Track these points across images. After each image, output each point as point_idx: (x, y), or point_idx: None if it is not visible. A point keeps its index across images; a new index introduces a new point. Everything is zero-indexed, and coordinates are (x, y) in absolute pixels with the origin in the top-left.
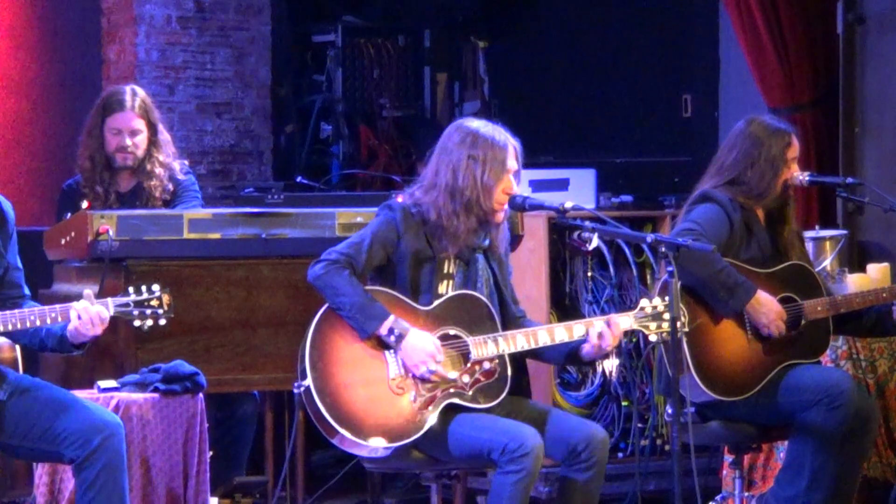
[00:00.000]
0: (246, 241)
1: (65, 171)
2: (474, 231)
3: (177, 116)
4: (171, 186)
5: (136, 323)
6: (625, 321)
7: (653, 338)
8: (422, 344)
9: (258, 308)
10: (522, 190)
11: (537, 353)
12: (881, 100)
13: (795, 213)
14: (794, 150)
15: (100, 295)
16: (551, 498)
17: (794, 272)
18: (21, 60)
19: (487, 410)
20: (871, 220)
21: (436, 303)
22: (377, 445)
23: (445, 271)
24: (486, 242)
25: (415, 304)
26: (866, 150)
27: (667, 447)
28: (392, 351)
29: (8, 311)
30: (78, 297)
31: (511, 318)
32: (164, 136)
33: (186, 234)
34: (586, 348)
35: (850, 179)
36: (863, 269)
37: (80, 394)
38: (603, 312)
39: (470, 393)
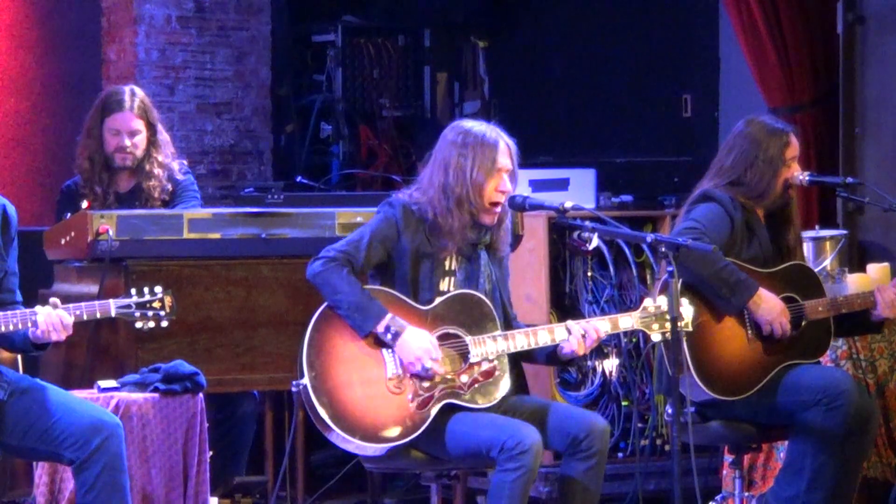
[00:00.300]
0: (246, 241)
1: (65, 171)
2: (470, 227)
3: (177, 116)
4: (169, 186)
5: (138, 324)
6: (627, 321)
7: (655, 337)
8: (418, 342)
9: (258, 308)
10: (522, 190)
11: (527, 355)
12: (881, 100)
13: (798, 213)
14: (793, 149)
15: (100, 294)
16: (551, 498)
17: (795, 272)
18: (21, 60)
19: (486, 410)
20: (871, 219)
21: (436, 302)
22: (374, 445)
23: (447, 268)
24: (488, 238)
25: (414, 304)
26: (866, 150)
27: (667, 447)
28: (390, 350)
29: None
30: (78, 297)
31: (505, 319)
32: (163, 136)
33: (186, 234)
34: (566, 347)
35: (850, 179)
36: (863, 269)
37: (80, 394)
38: (603, 312)
39: (468, 393)
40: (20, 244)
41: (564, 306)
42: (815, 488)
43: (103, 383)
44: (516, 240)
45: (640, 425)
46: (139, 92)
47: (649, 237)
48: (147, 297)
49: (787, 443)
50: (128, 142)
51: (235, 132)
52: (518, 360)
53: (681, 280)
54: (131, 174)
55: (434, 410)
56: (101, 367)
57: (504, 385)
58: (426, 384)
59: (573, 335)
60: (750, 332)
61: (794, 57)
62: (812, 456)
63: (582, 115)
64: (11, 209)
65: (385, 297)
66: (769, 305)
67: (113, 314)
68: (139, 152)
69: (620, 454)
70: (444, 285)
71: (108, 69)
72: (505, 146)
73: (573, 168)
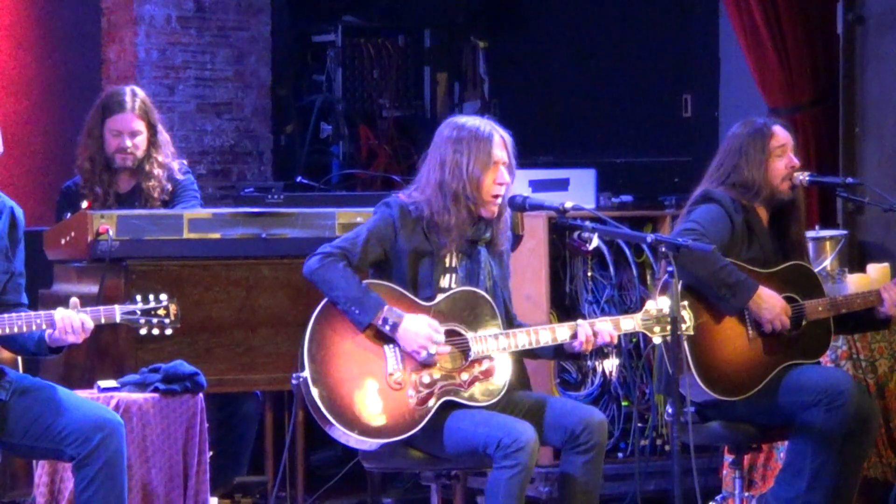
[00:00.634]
0: (246, 241)
1: (65, 171)
2: (468, 224)
3: (177, 116)
4: (169, 187)
5: (142, 331)
6: (629, 323)
7: (657, 340)
8: (417, 328)
9: (258, 308)
10: (522, 190)
11: (531, 350)
12: (881, 100)
13: (803, 214)
14: (778, 139)
15: (100, 294)
16: (551, 497)
17: (795, 272)
18: (21, 60)
19: (485, 408)
20: (871, 219)
21: (437, 298)
22: (373, 440)
23: (447, 265)
24: (488, 235)
25: (416, 299)
26: (866, 150)
27: (667, 447)
28: (391, 346)
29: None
30: (78, 297)
31: (507, 317)
32: (164, 136)
33: (186, 234)
34: (575, 344)
35: (850, 179)
36: (863, 269)
37: (81, 394)
38: (603, 312)
39: (467, 391)
40: None
41: (564, 306)
42: (816, 488)
43: (103, 383)
44: (516, 240)
45: (640, 425)
46: (140, 92)
47: (649, 237)
48: (152, 305)
49: (787, 443)
50: (129, 142)
51: (235, 132)
52: (520, 356)
53: (681, 280)
54: (131, 174)
55: (433, 407)
56: (102, 367)
57: (504, 383)
58: (426, 380)
59: (579, 337)
60: (750, 332)
61: (794, 57)
62: (812, 456)
63: (582, 115)
64: (19, 212)
65: (386, 292)
66: (770, 304)
67: (118, 320)
68: (140, 153)
69: (620, 454)
70: (444, 282)
71: (108, 69)
72: (500, 139)
73: (573, 168)
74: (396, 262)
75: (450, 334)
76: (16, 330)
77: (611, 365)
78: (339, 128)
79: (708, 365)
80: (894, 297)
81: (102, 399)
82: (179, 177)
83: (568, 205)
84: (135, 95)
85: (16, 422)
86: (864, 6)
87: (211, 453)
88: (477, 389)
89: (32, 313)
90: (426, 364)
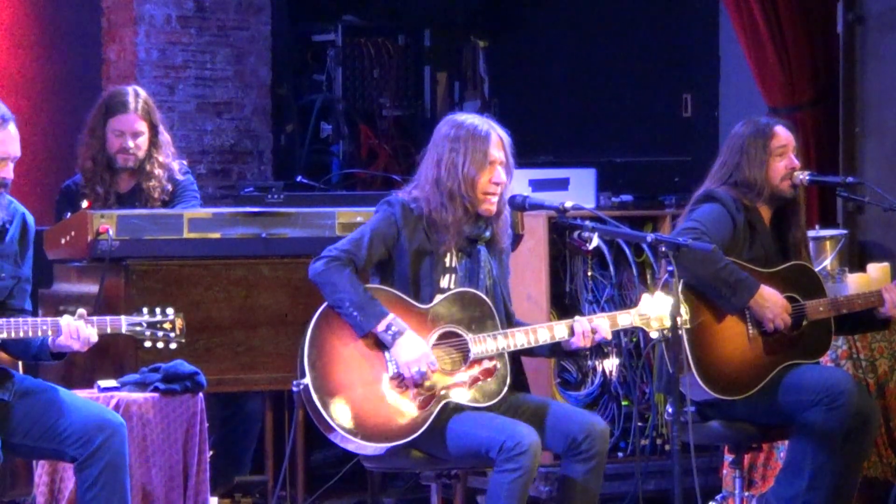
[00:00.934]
0: (246, 241)
1: (65, 171)
2: (466, 221)
3: (177, 116)
4: (169, 187)
5: (147, 344)
6: (626, 319)
7: (654, 335)
8: (412, 347)
9: (258, 308)
10: (522, 189)
11: (528, 349)
12: (881, 99)
13: (804, 214)
14: (779, 139)
15: (100, 294)
16: (551, 497)
17: (796, 272)
18: (21, 60)
19: (487, 409)
20: (871, 219)
21: (436, 300)
22: (375, 445)
23: (447, 265)
24: (488, 234)
25: (415, 303)
26: (866, 150)
27: (667, 446)
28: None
29: (2, 319)
30: (78, 296)
31: (506, 316)
32: (165, 136)
33: (186, 234)
34: (573, 340)
35: (850, 179)
36: (863, 269)
37: (81, 393)
38: (603, 312)
39: (469, 392)
40: None
41: (564, 306)
42: (816, 488)
43: (103, 383)
44: (516, 239)
45: (640, 425)
46: (142, 93)
47: (649, 237)
48: (158, 318)
49: (787, 442)
50: (131, 143)
51: (235, 132)
52: (518, 358)
53: (682, 280)
54: (132, 174)
55: (435, 409)
56: (102, 366)
57: (505, 384)
58: (427, 384)
59: (576, 334)
60: (751, 331)
61: (794, 57)
62: (812, 456)
63: (582, 115)
64: (30, 218)
65: (385, 297)
66: (771, 302)
67: (124, 331)
68: (141, 153)
69: (620, 454)
70: (444, 282)
71: (108, 69)
72: (497, 138)
73: (573, 168)
74: (399, 261)
75: (449, 336)
76: (21, 334)
77: (611, 364)
78: (339, 127)
79: (708, 364)
80: (895, 298)
81: (102, 399)
82: (179, 177)
83: (568, 204)
84: (137, 96)
85: (18, 422)
86: (864, 6)
87: (211, 453)
88: (478, 391)
89: (39, 319)
90: (414, 381)
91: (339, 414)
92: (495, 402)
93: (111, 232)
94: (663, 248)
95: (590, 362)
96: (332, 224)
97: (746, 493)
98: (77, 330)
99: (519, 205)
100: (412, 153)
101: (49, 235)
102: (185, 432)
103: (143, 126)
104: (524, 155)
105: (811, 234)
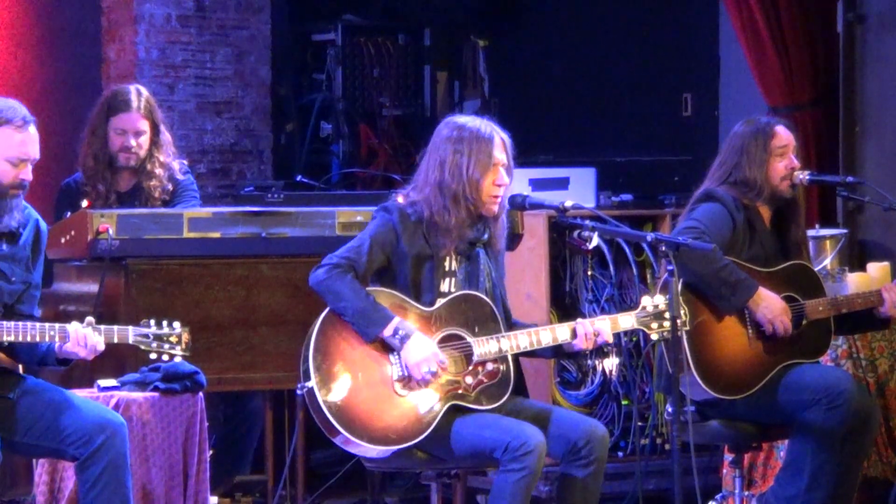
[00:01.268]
0: (246, 240)
1: (65, 170)
2: (467, 225)
3: (177, 115)
4: (170, 186)
5: (152, 356)
6: (626, 321)
7: (654, 336)
8: (421, 348)
9: (258, 307)
10: (522, 189)
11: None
12: (881, 99)
13: (804, 213)
14: (780, 139)
15: (100, 293)
16: (551, 497)
17: (795, 272)
18: (21, 59)
19: (490, 411)
20: (871, 218)
21: (438, 303)
22: (381, 448)
23: (447, 269)
24: (486, 237)
25: (417, 305)
26: (866, 149)
27: (667, 446)
28: (396, 353)
29: (10, 323)
30: (78, 296)
31: (506, 317)
32: (166, 136)
33: (186, 233)
34: (576, 342)
35: (850, 178)
36: (863, 268)
37: (81, 393)
38: (603, 311)
39: (473, 394)
40: None
41: (564, 305)
42: (816, 487)
43: (103, 382)
44: (516, 239)
45: (640, 424)
46: (144, 92)
47: (649, 236)
48: (165, 331)
49: (787, 442)
50: (133, 142)
51: (235, 131)
52: (517, 361)
53: (681, 279)
54: (132, 173)
55: (440, 412)
56: (102, 366)
57: (509, 386)
58: (432, 386)
59: (578, 336)
60: (751, 331)
61: (794, 57)
62: (812, 455)
63: (582, 115)
64: (44, 225)
65: (388, 299)
66: (770, 304)
67: (130, 341)
68: (143, 152)
69: (620, 453)
70: (444, 286)
71: (108, 68)
72: (500, 140)
73: (573, 167)
74: (399, 267)
75: (452, 338)
76: (28, 339)
77: (611, 364)
78: (339, 127)
79: (708, 364)
80: (895, 298)
81: (102, 398)
82: (180, 177)
83: (568, 204)
84: (140, 95)
85: (20, 420)
86: (864, 5)
87: (211, 452)
88: (483, 393)
89: (46, 324)
90: (425, 381)
91: (345, 417)
92: (499, 404)
93: (111, 231)
94: (663, 248)
95: (590, 362)
96: (331, 224)
97: (746, 493)
98: (84, 337)
99: (519, 204)
100: (412, 153)
101: (49, 234)
102: (185, 432)
103: (145, 125)
104: (524, 154)
105: (811, 233)
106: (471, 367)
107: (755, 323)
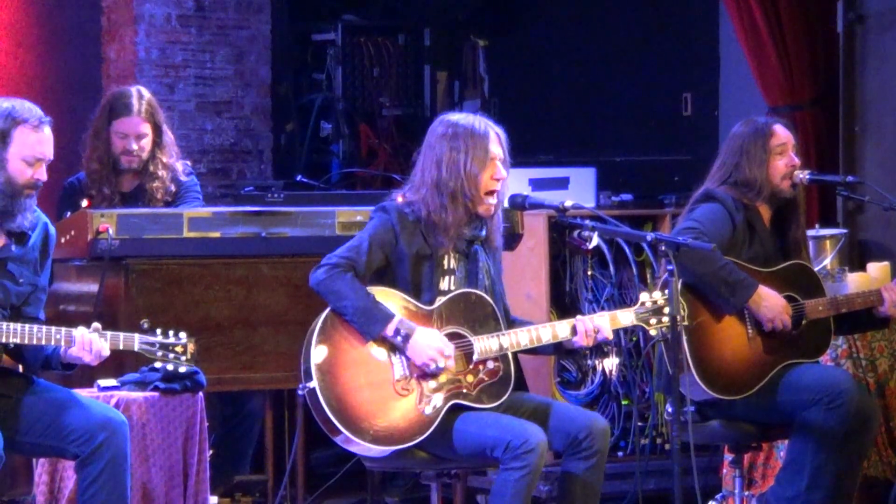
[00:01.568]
0: (246, 240)
1: (65, 170)
2: (465, 222)
3: (177, 115)
4: (173, 188)
5: (157, 365)
6: (625, 317)
7: (653, 332)
8: (429, 340)
9: (258, 307)
10: (522, 189)
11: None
12: (881, 99)
13: (803, 213)
14: (779, 138)
15: (99, 293)
16: (551, 497)
17: (795, 272)
18: (21, 59)
19: (490, 410)
20: (871, 218)
21: (438, 302)
22: (383, 448)
23: (446, 267)
24: (484, 234)
25: (418, 303)
26: (866, 149)
27: (667, 446)
28: (397, 353)
29: (17, 325)
30: (78, 295)
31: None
32: (169, 137)
33: (186, 233)
34: (576, 339)
35: (850, 178)
36: (863, 268)
37: (81, 392)
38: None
39: (474, 393)
40: None
41: (564, 305)
42: (816, 487)
43: (103, 382)
44: (516, 238)
45: (640, 424)
46: (146, 93)
47: (649, 236)
48: (171, 340)
49: (787, 442)
50: (135, 145)
51: (235, 131)
52: (516, 356)
53: (681, 279)
54: (135, 174)
55: (442, 411)
56: (102, 365)
57: (509, 384)
58: (433, 385)
59: (579, 333)
60: (750, 331)
61: (795, 56)
62: (812, 455)
63: (582, 115)
64: (52, 230)
65: (389, 298)
66: (770, 303)
67: (136, 348)
68: (145, 154)
69: (620, 453)
70: (444, 285)
71: (108, 68)
72: (495, 135)
73: (573, 167)
74: (398, 267)
75: (453, 337)
76: (34, 342)
77: (611, 364)
78: (339, 126)
79: (708, 364)
80: (895, 298)
81: (102, 398)
82: (183, 178)
83: (568, 203)
84: (141, 97)
85: (21, 419)
86: (865, 5)
87: (211, 451)
88: (483, 391)
89: (53, 328)
90: (433, 373)
91: (348, 417)
92: (500, 402)
93: (111, 231)
94: (663, 248)
95: (589, 361)
96: (331, 223)
97: (746, 493)
98: (90, 342)
99: (519, 204)
100: (412, 152)
101: None
102: (185, 431)
103: (146, 128)
104: (524, 154)
105: (811, 233)
106: (471, 366)
107: (755, 323)
